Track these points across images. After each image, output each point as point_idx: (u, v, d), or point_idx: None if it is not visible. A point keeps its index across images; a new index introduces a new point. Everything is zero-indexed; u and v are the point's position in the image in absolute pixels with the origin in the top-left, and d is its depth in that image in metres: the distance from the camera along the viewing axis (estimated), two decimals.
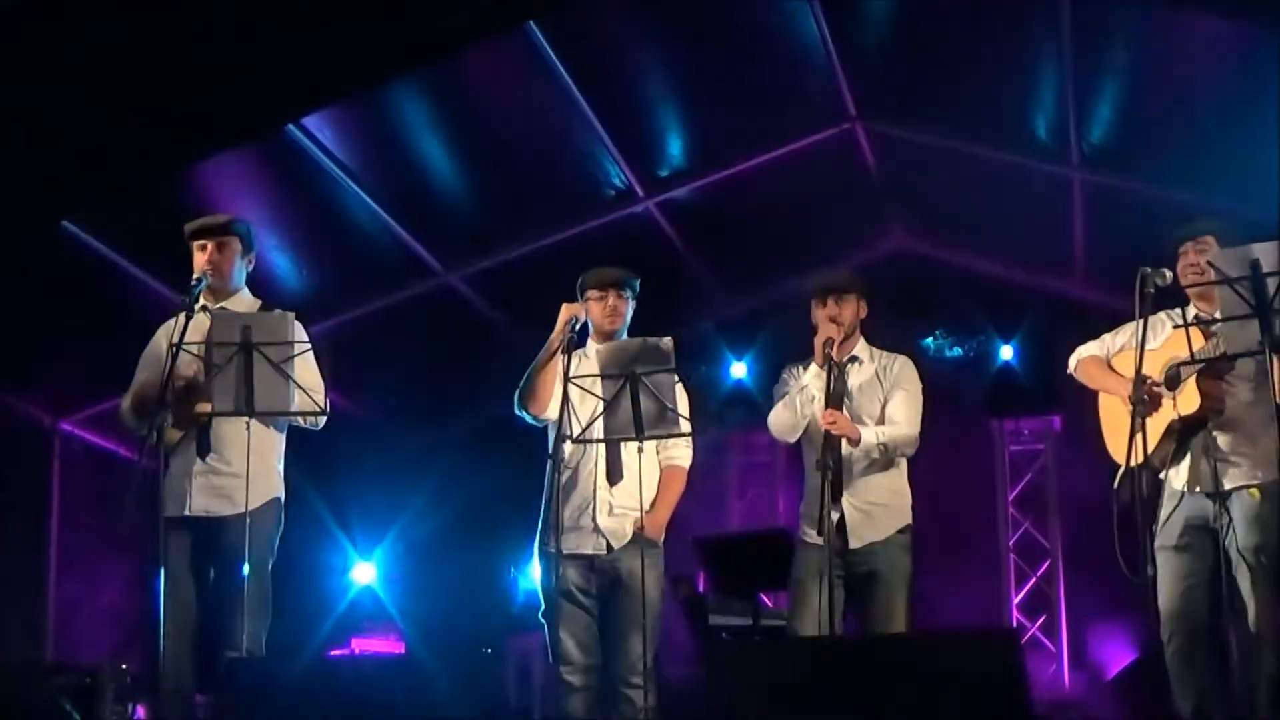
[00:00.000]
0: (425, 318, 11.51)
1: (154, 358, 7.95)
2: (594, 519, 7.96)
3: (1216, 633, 7.73)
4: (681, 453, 8.21)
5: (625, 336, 8.21)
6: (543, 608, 8.11)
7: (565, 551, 7.85)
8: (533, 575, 12.12)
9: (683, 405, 7.88)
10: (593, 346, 8.13)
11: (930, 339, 12.62)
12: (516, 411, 8.21)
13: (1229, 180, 10.10)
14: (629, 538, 7.96)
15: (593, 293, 8.20)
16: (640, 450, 7.87)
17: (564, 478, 7.96)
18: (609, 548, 7.97)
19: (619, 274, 8.28)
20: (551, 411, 8.06)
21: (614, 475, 7.98)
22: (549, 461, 8.13)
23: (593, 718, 7.90)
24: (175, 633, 7.61)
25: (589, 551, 7.93)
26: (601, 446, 7.91)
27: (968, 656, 6.45)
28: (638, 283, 8.33)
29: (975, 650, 6.60)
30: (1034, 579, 13.15)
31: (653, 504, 8.06)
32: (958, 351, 12.71)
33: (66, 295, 9.46)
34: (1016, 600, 13.08)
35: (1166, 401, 7.56)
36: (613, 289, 8.21)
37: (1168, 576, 7.64)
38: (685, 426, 7.78)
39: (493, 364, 8.62)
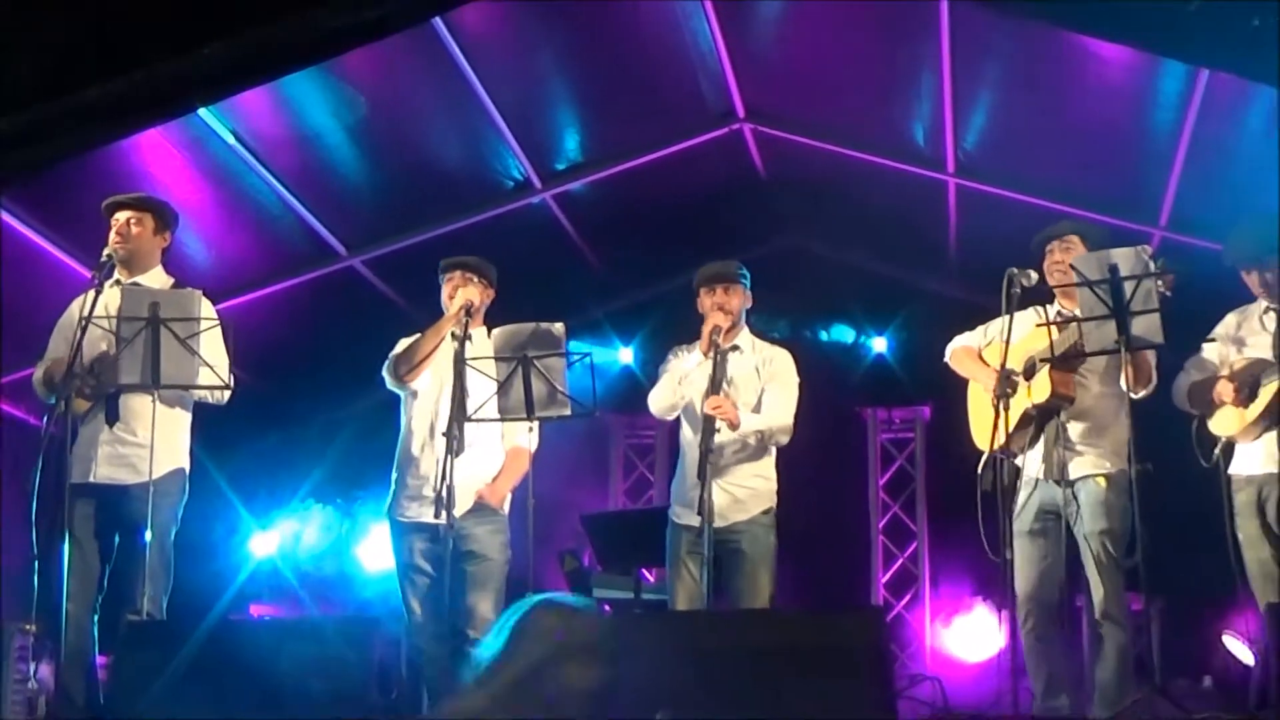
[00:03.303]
0: (330, 299, 11.47)
1: (64, 330, 7.92)
2: (435, 488, 7.90)
3: (1066, 614, 7.90)
4: (524, 437, 8.17)
5: (479, 321, 8.27)
6: (396, 574, 8.22)
7: (410, 519, 8.02)
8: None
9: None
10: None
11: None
12: (384, 374, 8.31)
13: (1093, 191, 10.24)
14: (469, 506, 7.99)
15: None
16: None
17: (414, 448, 8.06)
18: (450, 515, 7.96)
19: (465, 259, 8.39)
20: (418, 383, 8.20)
21: (458, 447, 7.86)
22: (402, 430, 8.30)
23: (440, 678, 7.89)
24: (78, 595, 7.59)
25: (430, 520, 7.89)
26: (446, 421, 7.85)
27: (836, 632, 6.51)
28: (491, 269, 8.37)
29: (843, 626, 6.66)
30: (901, 560, 13.25)
31: (496, 476, 8.14)
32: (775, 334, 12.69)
33: None
34: (884, 579, 13.16)
35: (1023, 390, 7.68)
36: (458, 272, 8.29)
37: (1023, 561, 7.78)
38: (572, 409, 7.85)
39: (392, 344, 8.57)
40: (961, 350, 8.28)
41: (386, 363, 8.29)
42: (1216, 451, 7.84)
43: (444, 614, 7.92)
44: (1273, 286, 7.75)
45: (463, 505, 7.96)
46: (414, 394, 8.24)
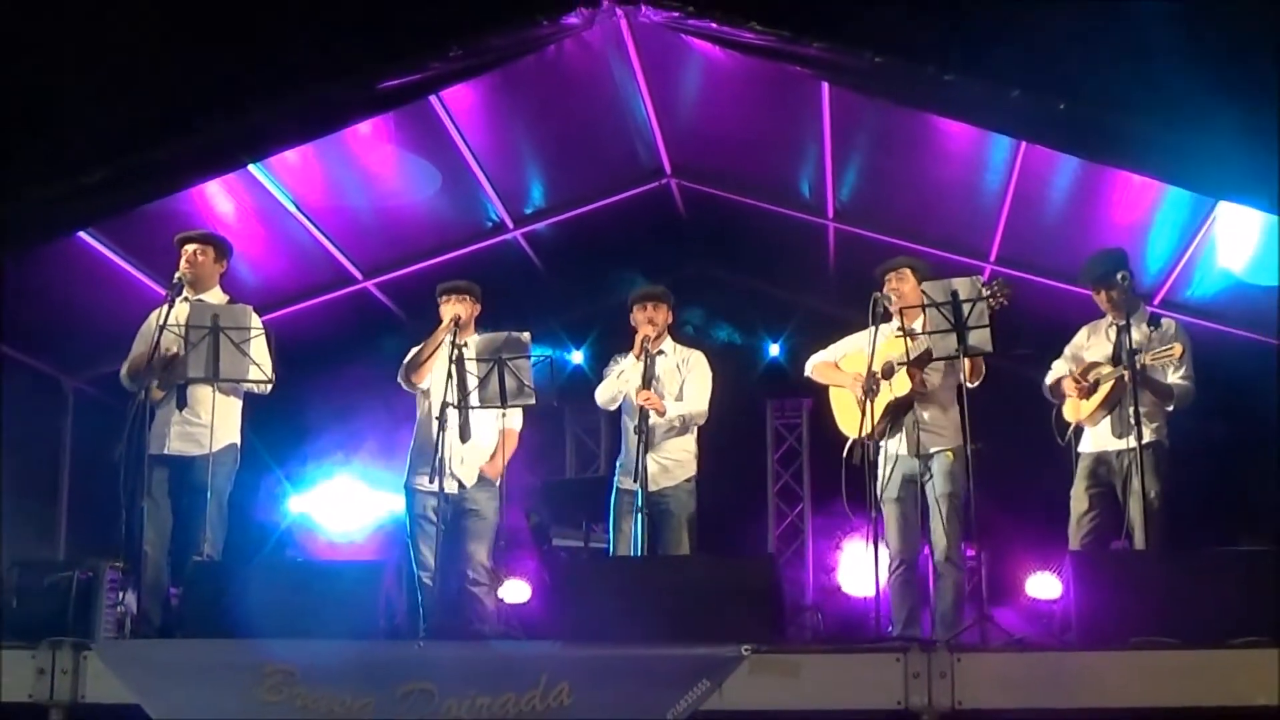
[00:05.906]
0: (349, 314, 11.57)
1: (145, 335, 8.08)
2: (450, 468, 8.14)
3: (922, 561, 8.13)
4: (515, 419, 8.45)
5: (471, 329, 8.49)
6: (408, 530, 8.40)
7: (426, 489, 8.15)
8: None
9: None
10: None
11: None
12: (399, 381, 8.49)
13: (939, 233, 10.41)
14: (475, 479, 8.29)
15: None
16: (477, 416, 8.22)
17: (430, 434, 8.14)
18: (461, 486, 8.26)
19: (456, 283, 8.58)
20: (426, 383, 8.40)
21: (465, 435, 8.21)
22: (418, 420, 8.48)
23: (441, 610, 8.12)
24: (155, 540, 7.79)
25: (445, 490, 8.10)
26: (456, 412, 8.11)
27: (740, 574, 6.76)
28: (476, 288, 8.57)
29: (745, 569, 6.90)
30: (790, 517, 13.34)
31: (493, 454, 8.35)
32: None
33: (80, 286, 9.48)
34: (776, 533, 13.26)
35: (884, 388, 7.90)
36: (452, 295, 8.47)
37: (892, 523, 7.99)
38: (534, 399, 8.10)
39: (398, 349, 8.70)
40: (821, 365, 8.53)
41: (400, 370, 8.45)
42: (1069, 433, 8.12)
43: (444, 557, 8.15)
44: (1114, 302, 7.97)
45: (470, 478, 8.28)
46: (425, 392, 8.42)
